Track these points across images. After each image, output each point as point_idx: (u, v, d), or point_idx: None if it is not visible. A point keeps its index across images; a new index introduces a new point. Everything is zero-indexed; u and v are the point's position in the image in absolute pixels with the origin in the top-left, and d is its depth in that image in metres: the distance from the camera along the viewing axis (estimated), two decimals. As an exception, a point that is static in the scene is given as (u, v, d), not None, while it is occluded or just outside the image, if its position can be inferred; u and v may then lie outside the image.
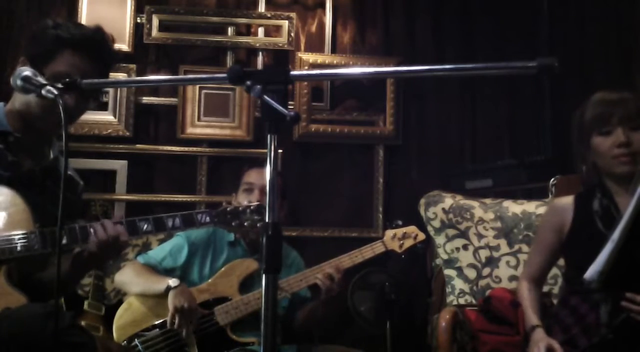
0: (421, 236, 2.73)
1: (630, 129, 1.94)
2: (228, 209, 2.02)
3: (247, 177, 2.74)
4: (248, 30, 3.80)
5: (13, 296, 1.62)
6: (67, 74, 1.74)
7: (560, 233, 2.09)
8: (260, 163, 2.83)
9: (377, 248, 2.69)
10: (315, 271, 2.60)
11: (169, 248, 2.70)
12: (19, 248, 1.65)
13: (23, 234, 1.67)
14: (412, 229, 2.74)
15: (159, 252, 2.71)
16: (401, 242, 2.70)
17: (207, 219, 1.93)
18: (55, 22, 1.87)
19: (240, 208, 2.03)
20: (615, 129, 1.95)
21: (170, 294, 2.44)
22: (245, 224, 2.01)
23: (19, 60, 1.86)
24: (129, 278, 2.62)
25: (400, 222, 2.76)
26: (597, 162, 2.02)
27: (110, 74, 3.47)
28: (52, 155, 1.91)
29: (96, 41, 1.87)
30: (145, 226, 1.82)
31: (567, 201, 2.11)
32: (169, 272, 2.62)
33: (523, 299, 2.11)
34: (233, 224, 2.00)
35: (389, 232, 2.73)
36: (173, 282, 2.47)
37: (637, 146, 1.93)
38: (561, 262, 2.25)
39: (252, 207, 2.03)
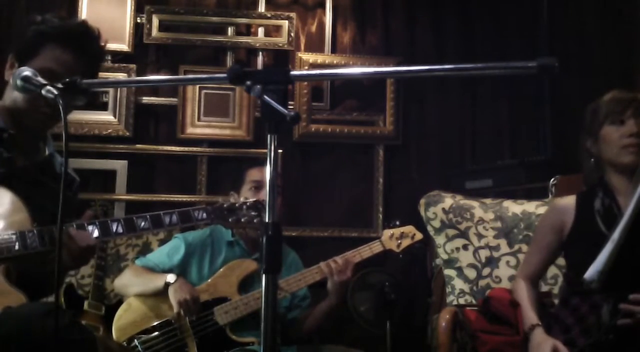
0: (419, 236, 2.74)
1: None
2: (225, 205, 2.01)
3: (252, 175, 2.74)
4: (248, 30, 3.80)
5: (12, 295, 1.62)
6: (50, 69, 1.73)
7: (561, 233, 2.09)
8: (261, 162, 2.83)
9: (375, 247, 2.69)
10: (313, 270, 2.61)
11: (167, 250, 2.70)
12: (16, 247, 1.65)
13: (20, 232, 1.67)
14: (409, 228, 2.74)
15: (156, 255, 2.72)
16: (399, 241, 2.71)
17: (204, 215, 1.92)
18: (43, 18, 1.84)
19: (237, 204, 2.02)
20: (629, 119, 1.98)
21: (171, 290, 2.45)
22: (242, 220, 2.00)
23: (8, 58, 1.85)
24: (128, 280, 2.63)
25: (398, 222, 2.77)
26: (603, 153, 2.02)
27: (110, 74, 3.53)
28: (47, 152, 1.90)
29: (79, 34, 1.84)
30: (143, 223, 1.82)
31: (569, 200, 2.11)
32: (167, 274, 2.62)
33: (521, 298, 2.10)
34: (230, 220, 1.99)
35: (387, 232, 2.74)
36: (171, 277, 2.49)
37: None
38: (561, 261, 2.25)
39: (248, 204, 2.03)
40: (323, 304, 2.67)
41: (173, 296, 2.43)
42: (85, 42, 1.84)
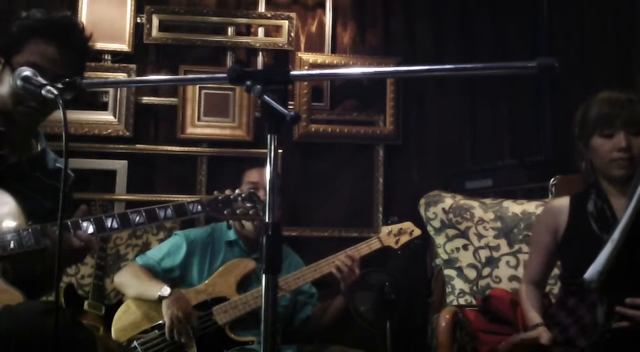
0: (417, 232, 2.73)
1: (631, 133, 1.94)
2: (220, 197, 2.00)
3: (250, 176, 2.74)
4: (248, 30, 3.80)
5: (9, 293, 1.62)
6: (35, 64, 1.72)
7: (556, 234, 2.09)
8: (260, 163, 2.83)
9: (373, 244, 2.68)
10: (312, 268, 2.61)
11: (167, 248, 2.69)
12: (11, 245, 1.64)
13: (15, 230, 1.66)
14: (407, 225, 2.74)
15: (157, 252, 2.70)
16: (397, 238, 2.70)
17: (199, 208, 1.90)
18: (27, 14, 1.83)
19: (232, 196, 2.01)
20: (618, 132, 1.94)
21: (164, 304, 2.43)
22: (238, 211, 1.99)
23: None
24: (127, 281, 2.61)
25: (396, 218, 2.76)
26: (594, 162, 2.02)
27: (110, 74, 3.53)
28: (39, 148, 1.90)
29: (62, 27, 1.82)
30: (138, 218, 1.80)
31: (563, 202, 2.11)
32: (168, 272, 2.62)
33: (523, 302, 2.10)
34: (225, 212, 1.97)
35: (385, 229, 2.73)
36: (164, 291, 2.45)
37: (636, 151, 1.93)
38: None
39: (243, 195, 2.02)
40: (337, 303, 2.67)
41: (165, 312, 2.41)
42: (68, 35, 1.82)
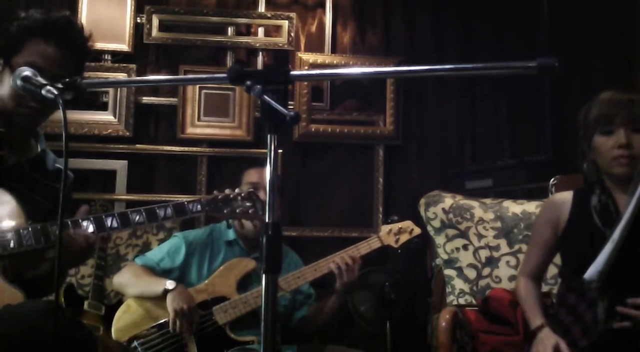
0: (417, 230, 2.73)
1: (632, 131, 1.94)
2: (219, 196, 2.00)
3: (249, 177, 2.73)
4: (248, 30, 3.80)
5: (9, 293, 1.62)
6: (35, 64, 1.72)
7: (557, 228, 2.08)
8: (260, 163, 2.82)
9: (373, 243, 2.68)
10: (312, 267, 2.61)
11: (167, 249, 2.69)
12: (11, 244, 1.64)
13: (15, 230, 1.66)
14: (407, 223, 2.73)
15: (156, 253, 2.70)
16: (397, 237, 2.70)
17: (199, 207, 1.91)
18: (26, 14, 1.83)
19: (232, 195, 2.02)
20: (618, 129, 1.93)
21: (169, 297, 2.44)
22: (237, 211, 2.00)
23: None
24: (127, 280, 2.61)
25: (395, 217, 2.76)
26: (597, 160, 2.02)
27: (110, 74, 3.54)
28: (39, 149, 1.90)
29: (61, 27, 1.82)
30: (137, 217, 1.81)
31: (566, 196, 2.10)
32: (167, 273, 2.62)
33: (522, 297, 2.10)
34: (225, 211, 1.98)
35: (385, 228, 2.73)
36: (170, 284, 2.47)
37: (638, 149, 1.93)
38: (559, 260, 2.25)
39: (243, 195, 2.02)
40: (331, 303, 2.67)
41: (170, 304, 2.42)
42: (67, 35, 1.82)
